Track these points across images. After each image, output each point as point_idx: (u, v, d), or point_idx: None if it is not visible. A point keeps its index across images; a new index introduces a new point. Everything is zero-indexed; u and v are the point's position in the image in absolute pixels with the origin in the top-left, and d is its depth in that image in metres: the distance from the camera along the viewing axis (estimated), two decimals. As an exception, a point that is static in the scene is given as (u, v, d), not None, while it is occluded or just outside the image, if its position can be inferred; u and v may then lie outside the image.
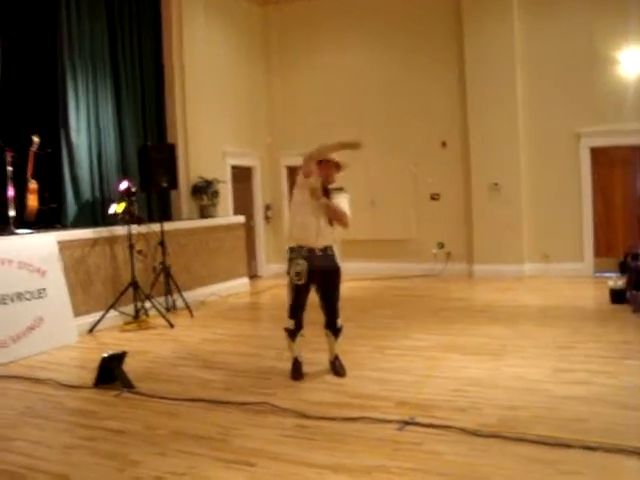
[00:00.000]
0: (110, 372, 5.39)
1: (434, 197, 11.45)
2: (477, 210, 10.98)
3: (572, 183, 10.51)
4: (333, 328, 5.47)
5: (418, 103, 11.43)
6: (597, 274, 10.30)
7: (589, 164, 10.45)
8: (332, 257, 5.41)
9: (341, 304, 5.53)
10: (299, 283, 5.24)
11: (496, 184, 10.73)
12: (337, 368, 5.48)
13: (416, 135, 11.44)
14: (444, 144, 11.31)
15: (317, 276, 5.30)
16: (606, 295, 8.07)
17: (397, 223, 11.61)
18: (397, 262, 11.54)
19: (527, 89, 10.66)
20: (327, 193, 5.30)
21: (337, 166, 5.34)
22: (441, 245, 11.38)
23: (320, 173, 5.29)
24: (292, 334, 5.43)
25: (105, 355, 5.47)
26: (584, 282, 9.87)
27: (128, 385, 5.28)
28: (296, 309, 5.39)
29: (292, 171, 12.00)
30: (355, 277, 10.25)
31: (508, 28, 10.64)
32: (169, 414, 4.63)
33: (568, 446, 3.66)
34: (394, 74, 11.57)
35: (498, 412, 4.32)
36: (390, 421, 4.20)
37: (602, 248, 10.53)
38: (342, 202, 5.34)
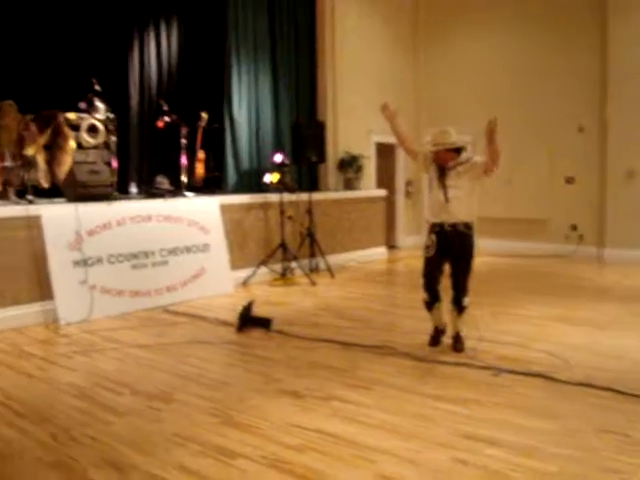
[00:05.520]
0: (248, 318, 6.42)
1: (569, 180, 11.56)
2: (612, 195, 10.97)
3: None
4: (458, 305, 5.49)
5: (556, 86, 11.47)
6: None
7: None
8: (463, 234, 5.36)
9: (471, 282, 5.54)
10: (428, 256, 5.49)
11: (633, 171, 10.71)
12: (456, 344, 5.52)
13: (553, 118, 11.54)
14: (581, 129, 11.32)
15: (447, 251, 5.41)
16: None
17: (531, 203, 11.84)
18: (528, 241, 11.78)
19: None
20: (444, 172, 5.43)
21: (456, 150, 5.46)
22: (574, 227, 11.50)
23: (436, 159, 5.54)
24: (427, 305, 5.59)
25: (243, 306, 6.51)
26: None
27: (265, 325, 6.27)
28: (429, 281, 5.51)
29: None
30: (485, 253, 10.63)
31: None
32: (307, 349, 5.59)
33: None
34: (533, 56, 11.68)
35: (587, 371, 4.82)
36: (489, 368, 4.90)
37: None
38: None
